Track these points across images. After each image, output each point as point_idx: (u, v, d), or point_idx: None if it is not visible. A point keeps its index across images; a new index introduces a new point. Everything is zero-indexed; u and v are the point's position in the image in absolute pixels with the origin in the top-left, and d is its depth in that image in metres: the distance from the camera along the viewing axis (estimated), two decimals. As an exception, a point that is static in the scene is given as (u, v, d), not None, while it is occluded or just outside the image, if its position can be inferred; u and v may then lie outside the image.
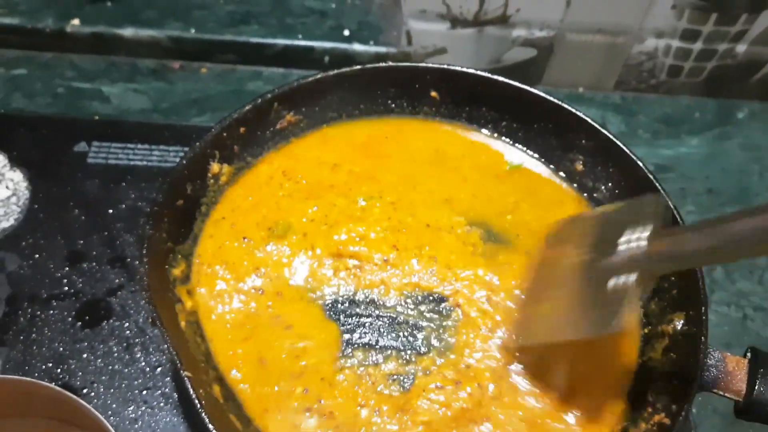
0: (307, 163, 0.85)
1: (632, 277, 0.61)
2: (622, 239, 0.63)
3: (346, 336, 0.72)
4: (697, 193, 1.10)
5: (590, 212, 0.77)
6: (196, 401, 0.60)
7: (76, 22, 1.17)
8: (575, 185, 0.87)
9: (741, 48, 1.16)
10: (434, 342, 0.72)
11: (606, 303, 0.62)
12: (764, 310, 0.99)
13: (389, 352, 0.71)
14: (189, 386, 0.61)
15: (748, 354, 0.68)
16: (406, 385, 0.69)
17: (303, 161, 0.85)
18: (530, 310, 0.72)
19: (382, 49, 1.19)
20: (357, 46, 1.19)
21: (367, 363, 0.70)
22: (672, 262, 0.62)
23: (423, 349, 0.72)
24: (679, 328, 0.72)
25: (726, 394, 0.66)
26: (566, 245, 0.71)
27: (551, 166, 0.88)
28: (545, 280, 0.72)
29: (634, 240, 0.62)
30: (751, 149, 1.17)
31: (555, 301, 0.69)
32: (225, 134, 0.79)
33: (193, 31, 1.18)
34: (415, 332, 0.73)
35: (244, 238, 0.76)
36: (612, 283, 0.62)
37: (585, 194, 0.87)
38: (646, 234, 0.61)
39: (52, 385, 0.64)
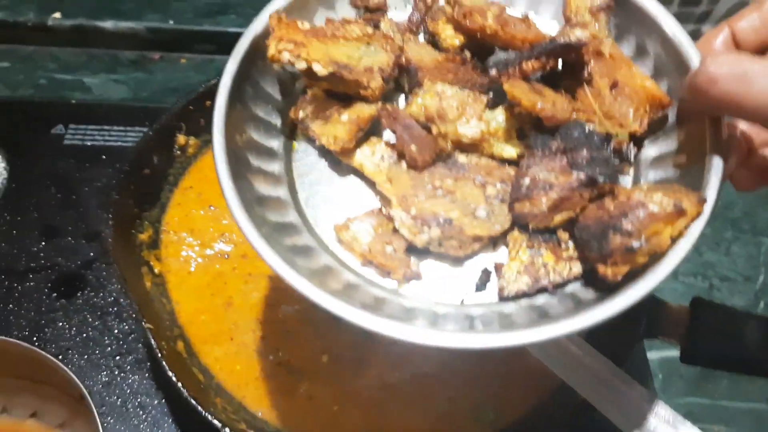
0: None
1: None
2: None
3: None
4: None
5: None
6: (157, 351, 0.63)
7: (57, 15, 1.20)
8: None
9: (706, 29, 1.19)
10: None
11: None
12: (729, 280, 1.01)
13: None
14: (150, 337, 0.63)
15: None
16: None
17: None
18: None
19: (356, 36, 1.22)
20: (332, 34, 1.22)
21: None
22: None
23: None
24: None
25: (669, 340, 0.69)
26: None
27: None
28: None
29: None
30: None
31: None
32: (191, 107, 0.82)
33: (171, 22, 1.22)
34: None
35: (210, 206, 0.79)
36: None
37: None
38: None
39: (23, 343, 0.66)
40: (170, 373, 0.62)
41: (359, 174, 0.51)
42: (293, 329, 0.71)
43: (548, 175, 0.47)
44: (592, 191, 0.46)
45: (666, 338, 0.68)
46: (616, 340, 0.69)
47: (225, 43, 1.22)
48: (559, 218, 0.47)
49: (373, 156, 0.51)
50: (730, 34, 0.51)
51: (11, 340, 0.66)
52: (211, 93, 0.83)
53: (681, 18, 1.16)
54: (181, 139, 0.82)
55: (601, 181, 0.46)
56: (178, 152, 0.82)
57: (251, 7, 1.25)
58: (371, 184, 0.51)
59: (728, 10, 1.16)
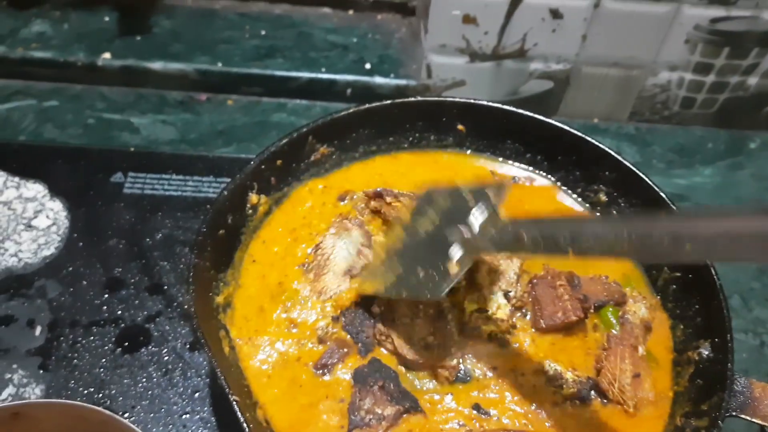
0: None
1: (459, 252, 0.65)
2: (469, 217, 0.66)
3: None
4: (712, 222, 1.12)
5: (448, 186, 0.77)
6: (245, 425, 0.62)
7: (107, 55, 1.21)
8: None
9: (752, 81, 1.19)
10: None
11: (438, 270, 0.66)
12: (780, 337, 1.01)
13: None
14: (237, 410, 0.63)
15: (773, 380, 0.70)
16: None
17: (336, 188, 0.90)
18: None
19: (402, 82, 1.22)
20: (378, 79, 1.22)
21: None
22: (497, 248, 0.66)
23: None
24: (705, 354, 0.75)
25: (754, 420, 0.68)
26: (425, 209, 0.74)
27: (575, 196, 0.91)
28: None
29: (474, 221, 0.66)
30: (763, 179, 1.19)
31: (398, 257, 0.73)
32: (263, 167, 0.82)
33: (219, 64, 1.22)
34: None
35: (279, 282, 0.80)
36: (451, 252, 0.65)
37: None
38: (482, 218, 0.65)
39: (101, 408, 0.66)
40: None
41: None
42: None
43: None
44: None
45: (750, 417, 0.68)
46: (700, 419, 0.70)
47: (272, 86, 1.23)
48: None
49: None
50: None
51: (89, 406, 0.65)
52: (282, 152, 0.84)
53: (727, 70, 1.18)
54: (253, 198, 0.82)
55: None
56: (250, 211, 0.82)
57: (298, 50, 1.25)
58: None
59: (775, 62, 1.17)
